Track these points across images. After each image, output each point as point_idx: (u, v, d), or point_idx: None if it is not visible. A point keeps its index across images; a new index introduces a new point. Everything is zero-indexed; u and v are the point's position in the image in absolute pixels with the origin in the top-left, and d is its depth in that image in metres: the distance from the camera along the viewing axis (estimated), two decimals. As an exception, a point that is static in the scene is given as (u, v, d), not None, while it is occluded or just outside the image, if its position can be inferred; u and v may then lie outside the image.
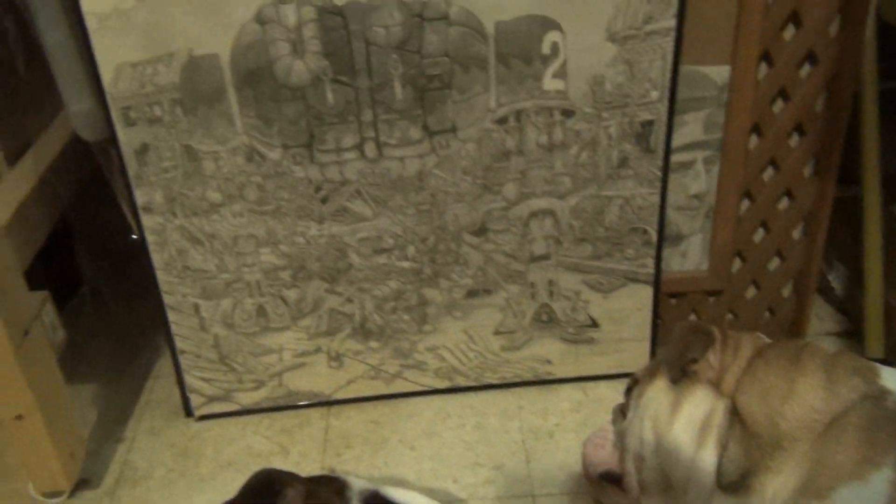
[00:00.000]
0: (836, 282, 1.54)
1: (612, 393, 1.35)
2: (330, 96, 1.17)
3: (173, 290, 1.30)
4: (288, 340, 1.35)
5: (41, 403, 1.15)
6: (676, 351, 1.07)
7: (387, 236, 1.28)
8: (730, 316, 1.44)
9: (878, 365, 0.98)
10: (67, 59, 1.22)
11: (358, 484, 0.94)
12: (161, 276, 1.29)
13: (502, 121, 1.20)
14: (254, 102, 1.17)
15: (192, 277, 1.29)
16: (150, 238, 1.26)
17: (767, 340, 1.09)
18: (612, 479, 1.10)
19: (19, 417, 1.15)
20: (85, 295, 1.66)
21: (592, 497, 1.16)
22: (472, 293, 1.33)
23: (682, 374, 1.06)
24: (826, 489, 0.87)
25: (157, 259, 1.28)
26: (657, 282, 1.33)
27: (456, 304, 1.34)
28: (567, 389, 1.40)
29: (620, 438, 1.11)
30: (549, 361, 1.40)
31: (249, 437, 1.37)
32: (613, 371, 1.39)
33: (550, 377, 1.41)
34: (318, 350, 1.37)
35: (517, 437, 1.32)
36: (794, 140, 1.30)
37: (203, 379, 1.38)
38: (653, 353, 1.39)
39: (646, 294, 1.34)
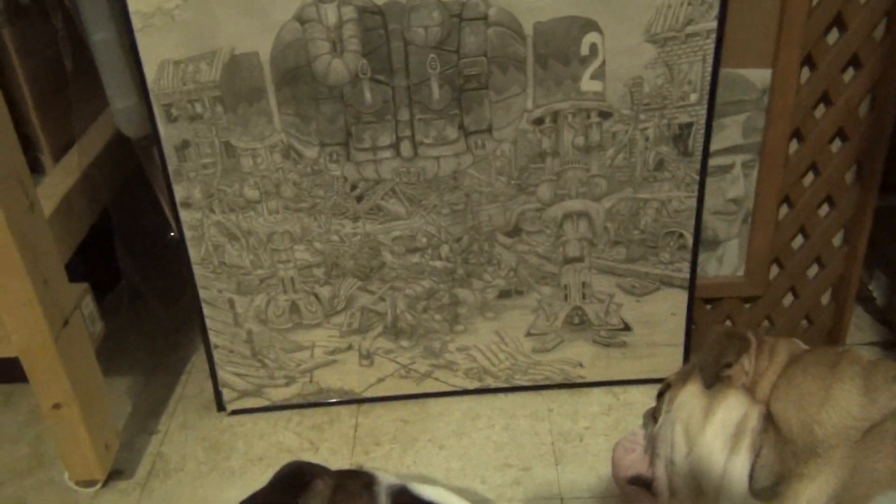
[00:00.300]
0: (876, 291, 1.51)
1: (644, 398, 1.34)
2: (368, 95, 1.18)
3: (209, 285, 1.32)
4: (320, 337, 1.36)
5: (78, 393, 1.17)
6: (711, 355, 1.06)
7: (420, 235, 1.28)
8: (766, 323, 1.42)
9: (919, 374, 0.96)
10: (112, 57, 1.24)
11: (386, 479, 0.94)
12: (197, 271, 1.31)
13: (539, 121, 1.20)
14: (292, 100, 1.18)
15: (227, 273, 1.31)
16: (188, 233, 1.28)
17: (804, 347, 1.07)
18: (642, 484, 1.09)
19: (57, 406, 1.18)
20: (123, 290, 1.68)
21: (621, 501, 1.15)
22: (504, 294, 1.33)
23: (715, 379, 1.04)
24: (863, 497, 0.85)
25: (194, 254, 1.29)
26: (692, 286, 1.32)
27: (488, 304, 1.34)
28: (598, 393, 1.39)
29: (651, 443, 1.10)
30: (580, 364, 1.39)
31: (280, 432, 1.38)
32: (645, 376, 1.38)
33: (581, 380, 1.40)
34: (349, 348, 1.37)
35: (546, 439, 1.31)
36: (836, 146, 1.28)
37: (236, 374, 1.39)
38: (686, 359, 1.37)
39: (680, 298, 1.33)
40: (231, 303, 1.33)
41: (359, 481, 0.92)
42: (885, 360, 1.00)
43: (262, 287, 1.32)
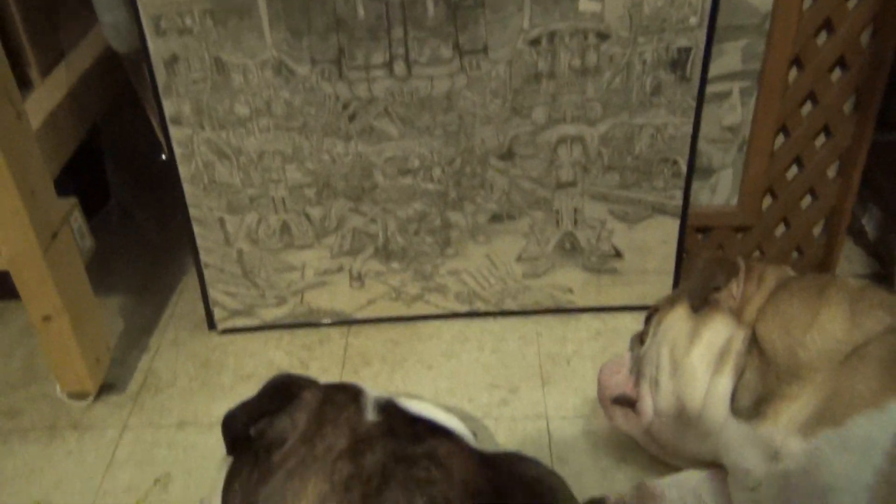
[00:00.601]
0: (869, 225, 1.51)
1: (633, 324, 1.35)
2: (361, 10, 1.16)
3: (199, 204, 1.31)
4: (311, 258, 1.36)
5: (68, 306, 1.18)
6: (700, 279, 1.07)
7: (413, 157, 1.27)
8: (757, 254, 1.42)
9: (905, 300, 0.97)
10: (100, -32, 1.21)
11: (374, 392, 0.95)
12: (188, 189, 1.30)
13: (535, 42, 1.18)
14: (283, 15, 1.16)
15: (217, 191, 1.30)
16: (178, 150, 1.27)
17: (793, 273, 1.07)
18: (626, 404, 1.11)
19: (47, 318, 1.18)
20: (113, 209, 1.68)
21: (606, 421, 1.17)
22: (496, 218, 1.33)
23: (703, 303, 1.05)
24: (842, 416, 0.86)
25: (183, 171, 1.28)
26: (684, 214, 1.32)
27: (479, 228, 1.33)
28: (587, 319, 1.40)
29: (637, 364, 1.11)
30: (570, 290, 1.39)
31: (271, 351, 1.39)
32: (635, 303, 1.39)
33: (571, 306, 1.41)
34: (340, 269, 1.38)
35: (534, 361, 1.32)
36: (836, 74, 1.26)
37: (227, 293, 1.40)
38: (676, 287, 1.38)
39: (672, 226, 1.33)
40: (221, 222, 1.33)
41: (346, 394, 0.93)
42: (873, 286, 1.01)
43: (253, 206, 1.31)
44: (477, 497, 0.77)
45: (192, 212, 1.32)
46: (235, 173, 1.28)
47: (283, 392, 0.92)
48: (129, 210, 1.69)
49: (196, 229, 1.33)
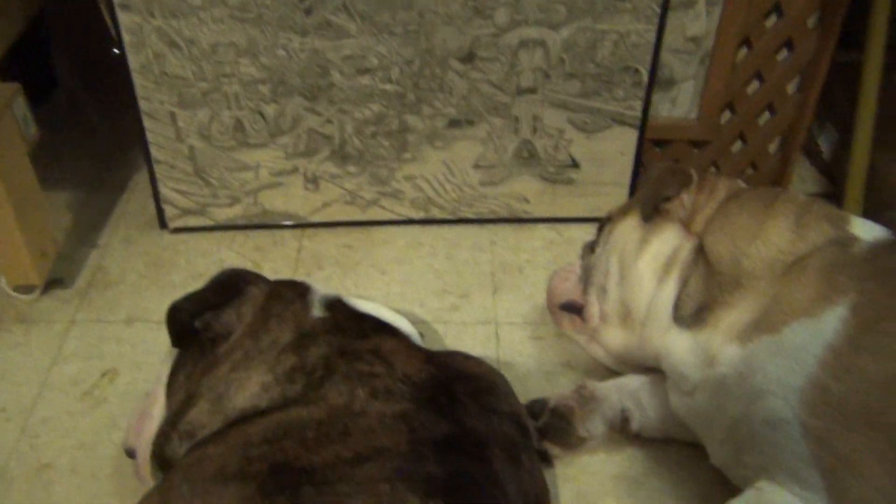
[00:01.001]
0: (824, 144, 1.52)
1: (586, 235, 1.35)
2: None
3: (150, 96, 1.27)
4: (265, 158, 1.34)
5: (12, 195, 1.15)
6: (651, 189, 1.07)
7: (371, 56, 1.24)
8: (713, 169, 1.43)
9: (850, 215, 0.98)
10: None
11: (322, 290, 0.95)
12: (137, 80, 1.26)
13: (499, -61, 1.14)
14: None
15: (168, 84, 1.26)
16: (127, 38, 1.22)
17: (744, 186, 1.08)
18: (574, 310, 1.12)
19: (-10, 208, 1.15)
20: (60, 99, 1.62)
21: (553, 327, 1.19)
22: (454, 123, 1.31)
23: (654, 212, 1.06)
24: (779, 324, 0.89)
25: (133, 61, 1.24)
26: (643, 126, 1.31)
27: (437, 133, 1.32)
28: (541, 229, 1.40)
29: (587, 272, 1.12)
30: (526, 199, 1.39)
31: (223, 251, 1.38)
32: (589, 214, 1.39)
33: (526, 216, 1.41)
34: (294, 170, 1.35)
35: (487, 269, 1.33)
36: (802, -12, 1.24)
37: (178, 191, 1.37)
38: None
39: (630, 138, 1.32)
40: (173, 116, 1.29)
41: (293, 289, 0.93)
42: (820, 201, 1.02)
43: (206, 101, 1.28)
44: (419, 390, 0.78)
45: (143, 105, 1.28)
46: (187, 65, 1.24)
47: (229, 286, 0.92)
48: (77, 101, 1.64)
49: (146, 123, 1.30)
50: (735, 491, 0.89)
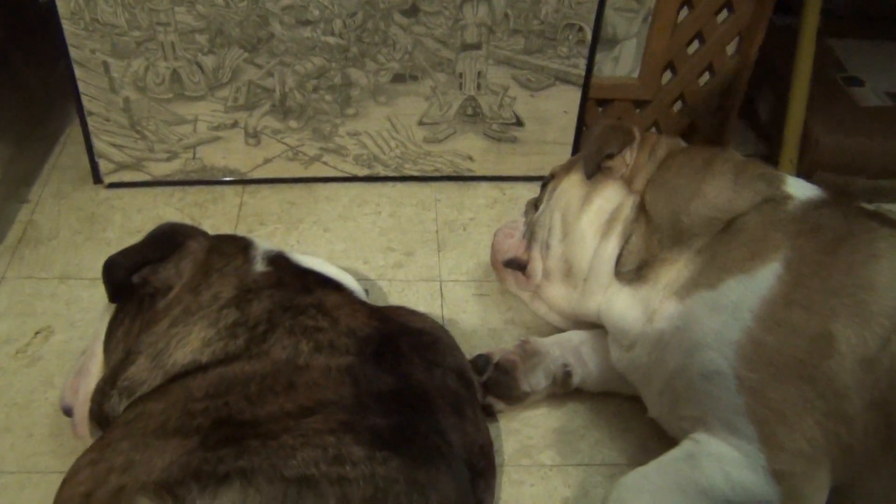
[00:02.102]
0: (762, 107, 1.55)
1: (529, 193, 1.36)
2: None
3: (81, 45, 1.22)
4: (203, 111, 1.30)
5: (-66, 147, 1.10)
6: (594, 146, 1.08)
7: (312, 7, 1.21)
8: (654, 129, 1.45)
9: (785, 174, 1.01)
10: None
11: (264, 245, 0.93)
12: (67, 28, 1.20)
13: None
14: None
15: (100, 32, 1.21)
16: (55, -17, 1.17)
17: (685, 145, 1.10)
18: (518, 266, 1.13)
19: (-89, 160, 1.10)
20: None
21: (497, 284, 1.20)
22: (398, 78, 1.29)
23: (596, 170, 1.06)
24: (716, 280, 0.91)
25: (62, 7, 1.18)
26: (586, 84, 1.32)
27: (381, 88, 1.30)
28: (485, 187, 1.40)
29: (530, 229, 1.13)
30: (470, 158, 1.39)
31: (160, 207, 1.34)
32: (533, 173, 1.40)
33: (470, 174, 1.41)
34: (234, 125, 1.32)
35: (431, 227, 1.33)
36: (744, -51, 1.26)
37: (113, 145, 1.33)
38: (574, 159, 1.39)
39: (574, 96, 1.33)
40: (106, 66, 1.24)
41: (234, 244, 0.91)
42: (757, 160, 1.04)
43: (140, 51, 1.23)
44: (364, 345, 0.78)
45: (74, 53, 1.23)
46: (120, 13, 1.19)
47: (167, 240, 0.90)
48: (4, 50, 1.56)
49: (78, 73, 1.25)
50: (672, 443, 0.92)
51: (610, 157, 1.05)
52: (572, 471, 1.00)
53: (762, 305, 0.87)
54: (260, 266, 0.89)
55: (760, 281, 0.88)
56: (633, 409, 1.06)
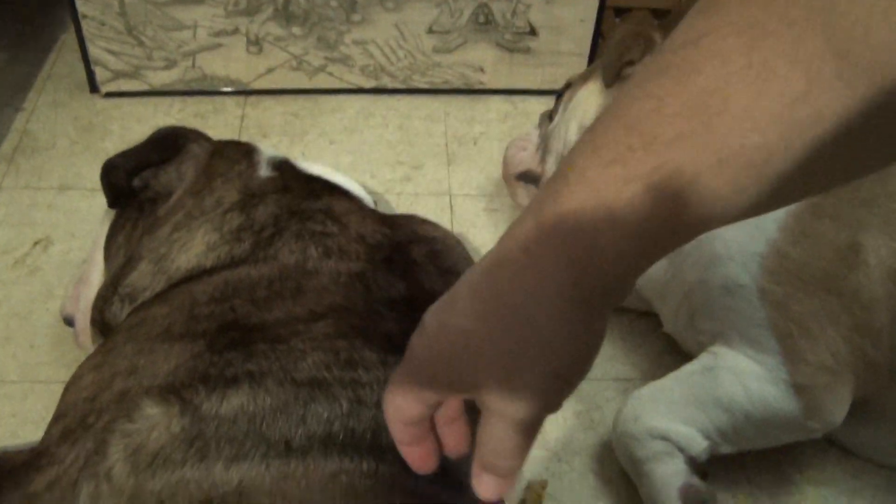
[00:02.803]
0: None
1: (542, 108, 1.30)
2: None
3: (73, -57, 1.16)
4: (203, 16, 1.24)
5: (-78, 48, 1.05)
6: (614, 52, 1.03)
7: None
8: (672, 42, 1.39)
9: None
10: None
11: (268, 150, 0.89)
12: (58, -77, 1.14)
13: None
14: None
15: (94, -72, 1.15)
16: None
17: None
18: (530, 179, 1.09)
19: None
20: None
21: (509, 199, 1.16)
22: (407, -18, 1.23)
23: (616, 77, 1.02)
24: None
25: None
26: (605, -9, 1.26)
27: (389, -7, 1.24)
28: (496, 100, 1.35)
29: (544, 140, 1.09)
30: (481, 69, 1.33)
31: (159, 117, 1.30)
32: (546, 86, 1.35)
33: (481, 87, 1.35)
34: (235, 31, 1.27)
35: (440, 140, 1.28)
36: None
37: (109, 51, 1.27)
38: (589, 71, 1.34)
39: (591, 3, 1.27)
40: (100, -34, 1.18)
41: (238, 149, 0.87)
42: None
43: (136, -50, 1.17)
44: (374, 251, 0.75)
45: (65, -48, 1.17)
46: None
47: (169, 143, 0.86)
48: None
49: (70, -27, 1.19)
50: (687, 358, 0.90)
51: (630, 63, 1.00)
52: (584, 385, 0.98)
53: (788, 216, 0.83)
54: (265, 171, 0.85)
55: (788, 191, 0.84)
56: (648, 324, 1.03)
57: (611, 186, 0.36)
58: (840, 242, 0.81)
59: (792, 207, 0.83)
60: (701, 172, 0.35)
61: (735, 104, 0.34)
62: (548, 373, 0.40)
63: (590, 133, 0.38)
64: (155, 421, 0.59)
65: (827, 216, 0.82)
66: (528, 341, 0.39)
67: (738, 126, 0.34)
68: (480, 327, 0.40)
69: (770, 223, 0.83)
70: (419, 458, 0.46)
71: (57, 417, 0.68)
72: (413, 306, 0.72)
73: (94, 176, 1.19)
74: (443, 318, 0.42)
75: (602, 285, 0.38)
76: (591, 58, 1.33)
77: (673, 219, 0.36)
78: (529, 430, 0.42)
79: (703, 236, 0.93)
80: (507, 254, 0.39)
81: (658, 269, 0.95)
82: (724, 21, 0.34)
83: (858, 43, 0.31)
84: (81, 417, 0.65)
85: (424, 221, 0.87)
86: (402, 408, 0.44)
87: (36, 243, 1.10)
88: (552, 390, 0.40)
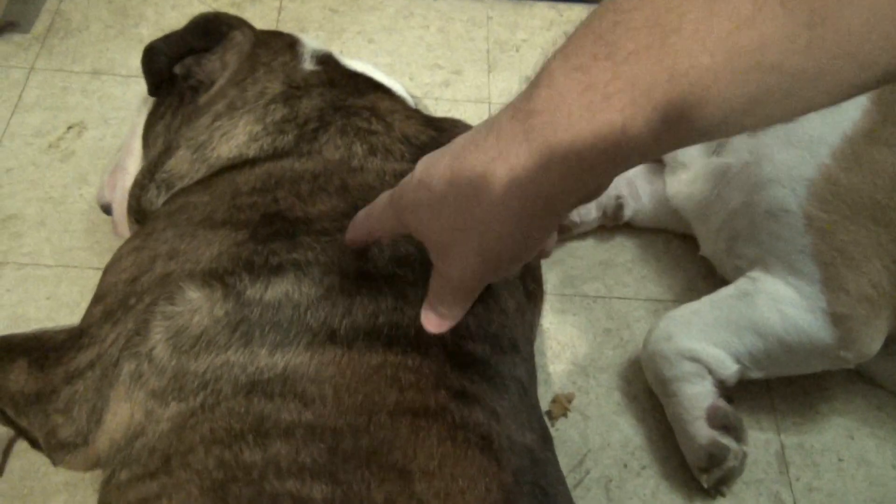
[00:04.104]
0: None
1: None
2: None
3: None
4: None
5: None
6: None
7: None
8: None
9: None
10: None
11: (312, 43, 0.87)
12: None
13: None
14: None
15: None
16: None
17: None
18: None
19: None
20: None
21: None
22: None
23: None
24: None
25: None
26: None
27: None
28: (541, 7, 1.31)
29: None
30: (528, -27, 1.29)
31: (195, 4, 1.26)
32: (594, -5, 1.30)
33: (526, -8, 1.31)
34: (277, -82, 1.22)
35: (482, 45, 1.25)
36: None
37: (146, -67, 1.23)
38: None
39: None
40: None
41: (281, 40, 0.85)
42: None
43: None
44: (420, 152, 0.74)
45: None
46: None
47: (212, 29, 0.83)
48: None
49: None
50: (721, 284, 0.89)
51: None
52: (616, 303, 0.98)
53: (842, 141, 0.81)
54: (309, 64, 0.82)
55: (843, 114, 0.81)
56: (684, 246, 1.02)
57: (572, 92, 0.39)
58: (893, 170, 0.79)
59: (847, 132, 0.81)
60: (652, 88, 0.36)
61: (688, 23, 0.35)
62: (478, 253, 0.46)
63: (567, 39, 0.41)
64: (198, 304, 0.59)
65: (883, 143, 0.80)
66: (473, 219, 0.44)
67: (688, 46, 0.35)
68: (447, 192, 0.46)
69: (823, 147, 0.81)
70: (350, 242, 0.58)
71: (97, 298, 0.69)
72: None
73: (128, 62, 1.17)
74: (424, 174, 0.48)
75: (548, 194, 0.42)
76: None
77: (620, 132, 0.38)
78: (463, 290, 0.49)
79: (752, 157, 0.91)
80: (485, 136, 0.44)
81: (700, 190, 0.93)
82: None
83: None
84: (122, 299, 0.65)
85: (469, 126, 0.85)
86: (372, 220, 0.55)
87: (70, 128, 1.09)
88: (482, 269, 0.47)
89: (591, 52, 0.38)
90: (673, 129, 0.38)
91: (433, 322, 0.53)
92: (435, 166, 0.47)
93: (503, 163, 0.42)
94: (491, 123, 0.45)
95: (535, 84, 0.42)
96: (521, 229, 0.44)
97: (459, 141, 0.47)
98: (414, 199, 0.49)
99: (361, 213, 0.56)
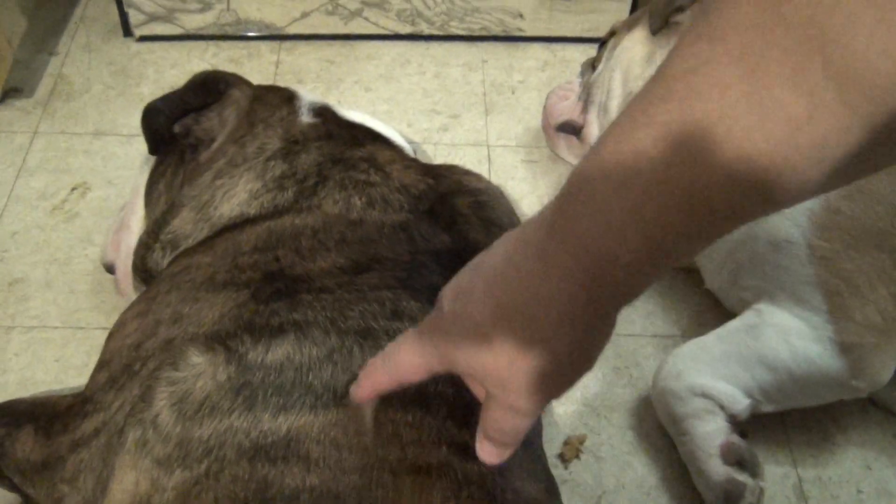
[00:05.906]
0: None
1: (582, 56, 1.27)
2: None
3: None
4: (238, -42, 1.22)
5: (-43, -11, 1.04)
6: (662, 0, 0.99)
7: None
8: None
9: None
10: None
11: (309, 95, 0.88)
12: None
13: None
14: None
15: None
16: None
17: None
18: (571, 130, 1.07)
19: (-66, 3, 1.04)
20: None
21: (547, 150, 1.14)
22: (447, -76, 1.20)
23: (663, 24, 0.98)
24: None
25: None
26: (651, -65, 1.21)
27: (428, -65, 1.21)
28: (535, 48, 1.32)
29: (587, 90, 1.06)
30: (520, 16, 1.30)
31: (194, 62, 1.28)
32: (587, 34, 1.31)
33: (520, 34, 1.32)
34: (271, -26, 1.24)
35: (478, 89, 1.26)
36: None
37: (143, -6, 1.26)
38: (631, 19, 1.30)
39: (636, -52, 1.23)
40: None
41: (279, 94, 0.86)
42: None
43: None
44: (418, 201, 0.74)
45: None
46: None
47: (209, 87, 0.84)
48: None
49: (104, -87, 1.16)
50: (728, 316, 0.89)
51: (680, 10, 0.97)
52: (623, 341, 0.98)
53: (841, 172, 0.81)
54: (306, 117, 0.83)
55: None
56: (688, 280, 1.02)
57: (618, 203, 0.37)
58: (892, 197, 0.79)
59: (845, 162, 0.81)
60: (711, 188, 0.35)
61: (739, 130, 0.34)
62: (545, 373, 0.42)
63: (599, 150, 0.38)
64: (201, 369, 0.59)
65: (882, 171, 0.80)
66: (532, 341, 0.41)
67: (742, 151, 0.34)
68: (492, 323, 0.42)
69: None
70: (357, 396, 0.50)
71: (101, 364, 0.69)
72: (458, 258, 0.70)
73: (129, 122, 1.19)
74: (458, 306, 0.44)
75: (611, 293, 0.40)
76: (634, 5, 1.29)
77: (677, 232, 0.37)
78: (526, 416, 0.45)
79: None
80: (523, 258, 0.41)
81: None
82: (723, 49, 0.33)
83: (859, 73, 0.31)
84: (126, 364, 0.65)
85: (468, 172, 0.85)
86: (401, 363, 0.47)
87: (73, 189, 1.10)
88: (548, 387, 0.43)
89: (634, 168, 0.37)
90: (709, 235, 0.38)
91: (494, 454, 0.47)
92: (470, 298, 0.43)
93: (556, 287, 0.40)
94: (524, 244, 0.41)
95: (566, 195, 0.39)
96: (586, 345, 0.42)
97: (491, 268, 0.43)
98: (454, 335, 0.44)
99: (376, 361, 0.49)
